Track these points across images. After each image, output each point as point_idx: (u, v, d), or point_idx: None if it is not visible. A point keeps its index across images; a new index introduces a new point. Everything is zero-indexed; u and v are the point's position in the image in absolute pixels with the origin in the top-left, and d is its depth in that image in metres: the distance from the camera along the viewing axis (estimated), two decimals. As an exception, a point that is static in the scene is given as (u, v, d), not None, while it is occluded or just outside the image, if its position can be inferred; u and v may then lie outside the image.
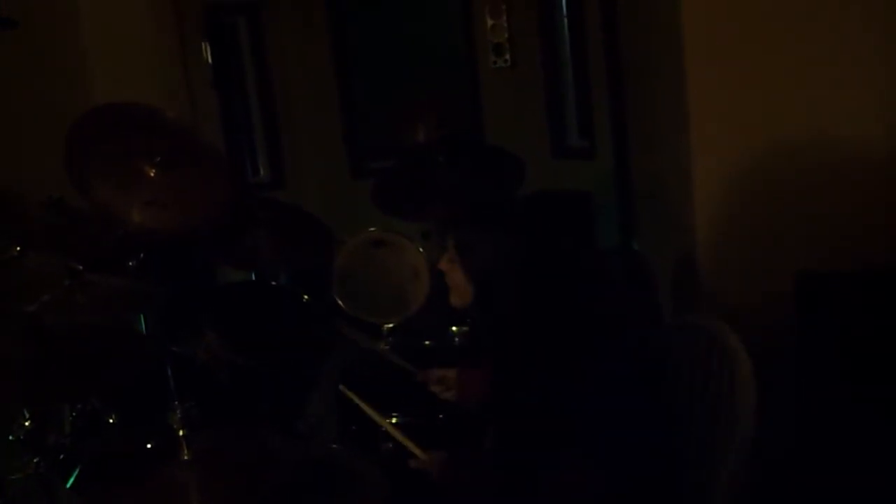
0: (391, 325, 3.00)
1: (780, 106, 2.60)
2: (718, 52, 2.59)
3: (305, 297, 2.83)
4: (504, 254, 1.82)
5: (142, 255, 2.39)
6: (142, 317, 2.39)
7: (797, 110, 2.59)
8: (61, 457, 2.00)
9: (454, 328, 2.92)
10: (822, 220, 2.62)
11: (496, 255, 1.83)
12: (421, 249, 3.09)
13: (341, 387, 2.22)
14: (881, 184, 2.59)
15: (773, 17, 2.56)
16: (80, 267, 2.16)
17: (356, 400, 2.13)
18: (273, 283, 2.92)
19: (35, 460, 1.92)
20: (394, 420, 2.18)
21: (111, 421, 2.19)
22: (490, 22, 4.95)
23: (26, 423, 1.95)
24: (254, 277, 3.10)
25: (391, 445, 2.12)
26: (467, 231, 1.89)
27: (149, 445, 1.98)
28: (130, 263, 2.37)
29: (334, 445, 2.30)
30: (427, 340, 2.95)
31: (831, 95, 2.58)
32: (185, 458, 1.60)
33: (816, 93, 2.58)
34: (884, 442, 2.28)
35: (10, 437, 1.95)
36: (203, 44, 4.89)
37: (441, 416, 2.32)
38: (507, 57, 4.96)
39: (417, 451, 1.96)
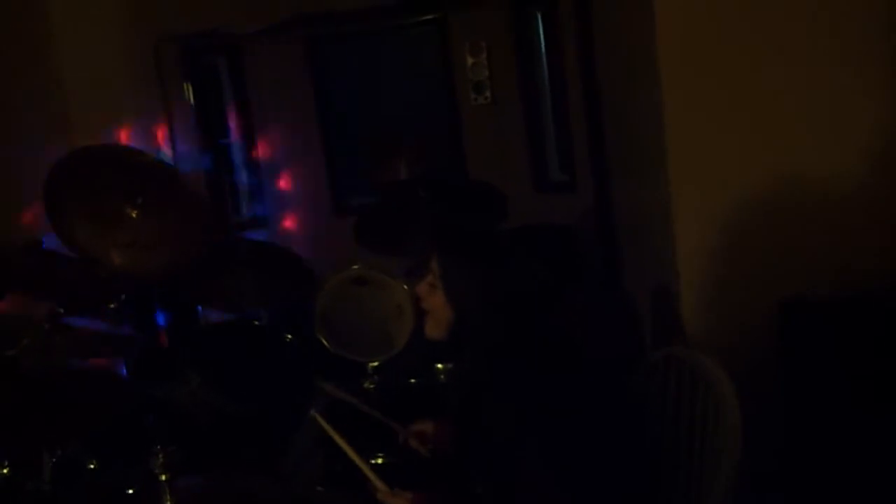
0: (376, 364, 2.98)
1: (758, 139, 2.63)
2: (695, 87, 2.63)
3: (288, 336, 2.81)
4: (485, 288, 1.82)
5: (123, 297, 2.37)
6: (123, 360, 2.37)
7: (775, 143, 2.63)
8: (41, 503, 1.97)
9: (439, 365, 2.91)
10: (801, 250, 2.64)
11: (477, 289, 1.83)
12: (405, 286, 3.07)
13: (313, 412, 2.16)
14: (858, 214, 2.62)
15: (749, 53, 2.60)
16: (61, 310, 2.15)
17: (326, 427, 2.09)
18: (255, 323, 2.90)
19: (13, 509, 1.89)
20: (379, 461, 2.16)
21: (92, 466, 2.16)
22: (470, 60, 5.01)
23: (4, 471, 1.92)
24: (236, 317, 3.08)
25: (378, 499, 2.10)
26: (449, 263, 1.89)
27: (130, 491, 1.96)
28: (111, 306, 2.36)
29: (319, 487, 2.28)
30: (412, 378, 2.94)
31: (809, 128, 2.62)
32: (168, 503, 1.58)
33: (794, 126, 2.62)
34: (868, 469, 2.28)
35: (-12, 485, 1.92)
36: (185, 85, 4.91)
37: (426, 455, 2.30)
38: (488, 94, 5.00)
39: (380, 486, 1.95)
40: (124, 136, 4.31)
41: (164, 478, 1.58)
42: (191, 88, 4.92)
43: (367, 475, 1.97)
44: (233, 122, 5.36)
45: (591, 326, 2.19)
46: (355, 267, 3.16)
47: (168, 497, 1.57)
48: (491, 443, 1.74)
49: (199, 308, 3.76)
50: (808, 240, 2.64)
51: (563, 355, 1.79)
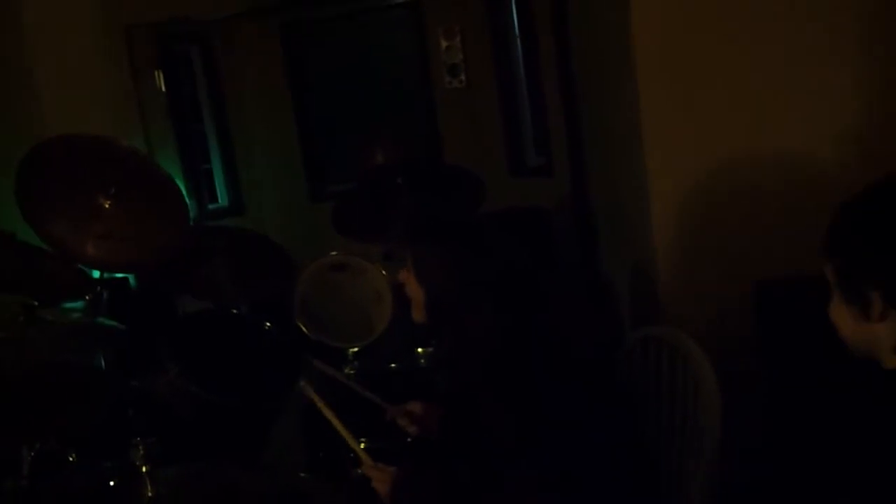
0: (356, 349, 2.97)
1: (734, 120, 2.64)
2: (670, 68, 2.63)
3: (267, 324, 2.80)
4: (456, 271, 1.81)
5: (98, 288, 2.35)
6: (100, 352, 2.35)
7: (751, 124, 2.64)
8: (21, 499, 1.95)
9: (420, 350, 2.91)
10: (777, 229, 2.66)
11: (447, 273, 1.82)
12: (383, 272, 3.07)
13: (302, 381, 2.14)
14: (834, 193, 2.63)
15: (725, 34, 2.61)
16: (35, 303, 2.12)
17: (314, 397, 2.08)
18: (234, 311, 2.88)
19: (-8, 504, 1.87)
20: (362, 445, 2.16)
21: (71, 459, 2.14)
22: (444, 44, 4.99)
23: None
24: (214, 307, 3.06)
25: (360, 472, 2.10)
26: (418, 248, 1.89)
27: (111, 483, 1.94)
28: (87, 298, 2.33)
29: (301, 474, 2.27)
30: (392, 363, 2.94)
31: (785, 108, 2.63)
32: (149, 494, 1.57)
33: (770, 106, 2.63)
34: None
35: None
36: (156, 73, 4.85)
37: (409, 440, 2.30)
38: (462, 77, 5.00)
39: (365, 459, 1.95)
40: (96, 125, 4.26)
41: (144, 469, 1.57)
42: (162, 76, 4.87)
43: (353, 447, 1.97)
44: (206, 110, 5.32)
45: (568, 310, 2.19)
46: (333, 253, 3.15)
47: (149, 488, 1.56)
48: (474, 429, 1.74)
49: (176, 297, 3.74)
50: (784, 219, 2.66)
51: (543, 341, 1.79)
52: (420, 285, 1.87)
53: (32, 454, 2.08)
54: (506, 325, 1.77)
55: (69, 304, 2.46)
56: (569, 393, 1.73)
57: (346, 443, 2.01)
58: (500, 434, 1.68)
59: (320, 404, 2.04)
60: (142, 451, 1.59)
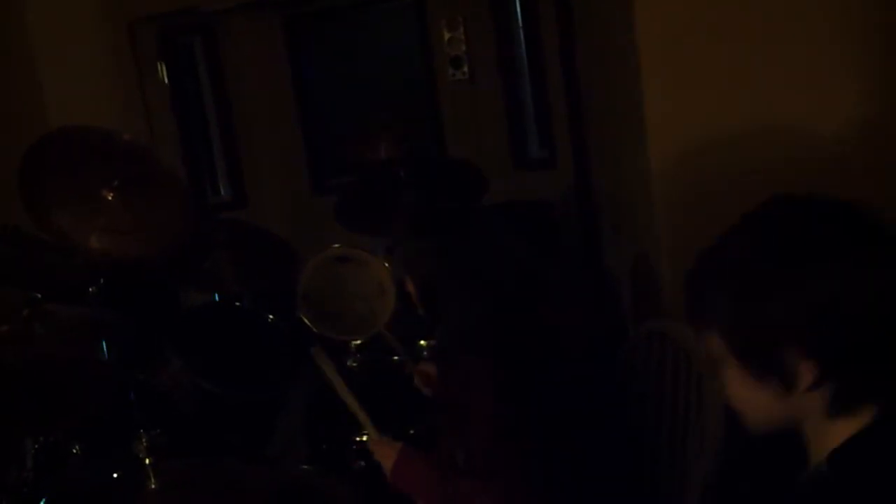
0: (359, 342, 2.97)
1: (740, 111, 2.63)
2: (674, 57, 2.62)
3: (270, 317, 2.81)
4: (447, 264, 1.81)
5: (102, 281, 2.35)
6: (104, 345, 2.35)
7: (755, 119, 2.63)
8: (24, 491, 1.96)
9: (422, 342, 2.91)
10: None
11: (437, 265, 1.82)
12: (386, 265, 3.07)
13: (314, 348, 2.13)
14: (840, 183, 2.63)
15: (731, 31, 2.59)
16: (39, 296, 2.12)
17: (325, 364, 2.06)
18: (237, 304, 2.88)
19: (-3, 497, 1.88)
20: (365, 438, 2.16)
21: (75, 452, 2.14)
22: (447, 35, 4.98)
23: (-14, 459, 1.90)
24: (217, 300, 3.06)
25: (363, 464, 2.11)
26: (409, 241, 1.89)
27: (115, 475, 1.95)
28: (90, 290, 2.33)
29: (304, 466, 2.28)
30: (395, 356, 2.94)
31: (789, 103, 2.62)
32: (153, 487, 1.58)
33: (774, 102, 2.62)
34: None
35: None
36: (159, 64, 4.85)
37: (412, 431, 2.31)
38: (465, 69, 4.98)
39: (372, 432, 1.95)
40: (99, 118, 4.26)
41: (148, 461, 1.57)
42: (165, 68, 4.87)
43: (361, 419, 1.97)
44: (209, 102, 5.31)
45: (570, 303, 2.19)
46: (336, 246, 3.15)
47: (153, 480, 1.56)
48: (462, 420, 1.73)
49: (180, 290, 3.74)
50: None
51: (540, 334, 1.79)
52: (410, 277, 1.87)
53: (36, 447, 2.09)
54: (501, 317, 1.76)
55: (73, 298, 2.46)
56: (565, 387, 1.72)
57: (353, 415, 1.99)
58: (484, 430, 1.68)
59: (331, 372, 2.03)
60: (145, 444, 1.59)
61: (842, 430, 1.03)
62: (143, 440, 1.58)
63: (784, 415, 1.06)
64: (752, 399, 1.07)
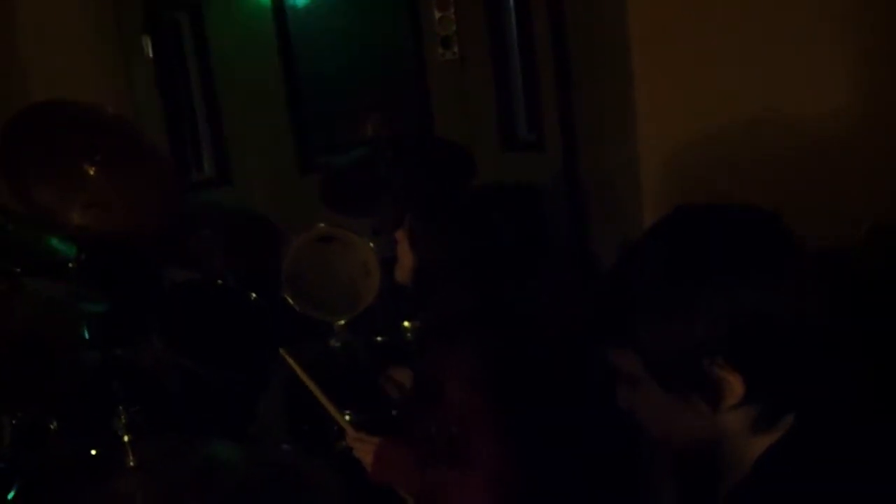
0: (342, 322, 2.96)
1: (728, 97, 2.63)
2: (664, 39, 2.61)
3: (253, 295, 2.79)
4: (452, 248, 1.81)
5: (83, 257, 2.32)
6: (83, 321, 2.32)
7: (744, 103, 2.62)
8: (1, 467, 1.94)
9: (406, 323, 2.90)
10: (770, 205, 2.65)
11: (444, 250, 1.82)
12: (371, 245, 3.05)
13: (282, 350, 2.13)
14: (832, 169, 2.63)
15: (721, 15, 2.59)
16: (17, 270, 2.10)
17: (294, 366, 2.07)
18: (219, 283, 2.86)
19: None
20: (347, 418, 2.15)
21: (52, 428, 2.12)
22: (437, 14, 4.94)
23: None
24: (199, 278, 3.03)
25: (344, 444, 2.10)
26: (418, 219, 1.88)
27: (93, 452, 1.93)
28: (70, 266, 2.30)
29: (285, 446, 2.27)
30: (379, 336, 2.93)
31: (777, 87, 2.61)
32: (131, 464, 1.56)
33: (763, 86, 2.61)
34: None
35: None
36: (144, 39, 4.79)
37: (394, 412, 2.30)
38: (455, 49, 4.96)
39: (349, 429, 1.95)
40: (82, 92, 4.20)
41: (126, 438, 1.55)
42: (150, 42, 4.81)
43: (336, 418, 1.97)
44: (194, 77, 5.25)
45: (556, 288, 2.19)
46: (321, 225, 3.12)
47: (131, 458, 1.54)
48: (446, 402, 1.73)
49: (162, 267, 3.71)
50: (775, 195, 2.65)
51: (523, 319, 1.78)
52: (413, 252, 1.87)
53: (13, 423, 2.07)
54: (483, 303, 1.76)
55: (53, 273, 2.43)
56: (549, 376, 1.72)
57: (329, 413, 2.00)
58: (456, 418, 1.67)
59: (301, 374, 2.03)
60: (124, 421, 1.57)
61: (763, 444, 1.00)
62: (123, 417, 1.56)
63: (705, 434, 1.00)
64: (672, 420, 1.02)
